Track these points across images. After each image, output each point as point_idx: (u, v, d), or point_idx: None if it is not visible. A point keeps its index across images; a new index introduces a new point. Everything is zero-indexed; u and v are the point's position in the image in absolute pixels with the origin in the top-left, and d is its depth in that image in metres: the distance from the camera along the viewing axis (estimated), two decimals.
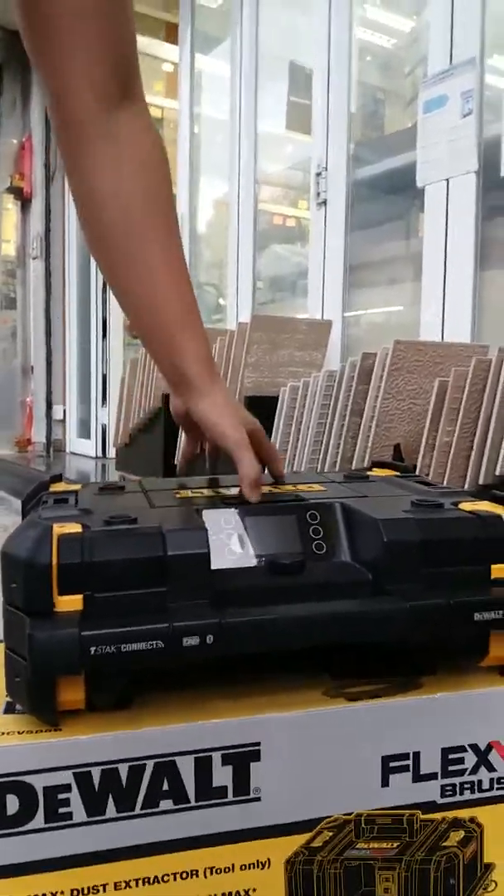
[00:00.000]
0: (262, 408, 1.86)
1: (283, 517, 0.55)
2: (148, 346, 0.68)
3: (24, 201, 4.34)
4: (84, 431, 4.20)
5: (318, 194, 2.42)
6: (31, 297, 4.33)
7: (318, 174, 2.41)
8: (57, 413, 4.29)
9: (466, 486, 1.34)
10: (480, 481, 1.30)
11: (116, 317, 3.94)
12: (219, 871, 0.46)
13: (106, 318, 3.94)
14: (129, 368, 2.51)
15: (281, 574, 0.50)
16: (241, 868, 0.47)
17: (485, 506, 0.55)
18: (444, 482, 1.34)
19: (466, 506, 0.55)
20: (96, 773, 0.44)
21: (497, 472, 1.25)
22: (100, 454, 3.99)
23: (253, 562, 0.52)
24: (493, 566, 0.51)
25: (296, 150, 2.97)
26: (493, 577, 0.51)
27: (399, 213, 2.27)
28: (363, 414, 1.53)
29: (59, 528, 0.44)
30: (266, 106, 2.96)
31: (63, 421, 4.32)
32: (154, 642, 0.42)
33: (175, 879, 0.46)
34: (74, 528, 0.45)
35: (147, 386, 2.30)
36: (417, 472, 1.42)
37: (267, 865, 0.47)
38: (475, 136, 1.85)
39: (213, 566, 0.49)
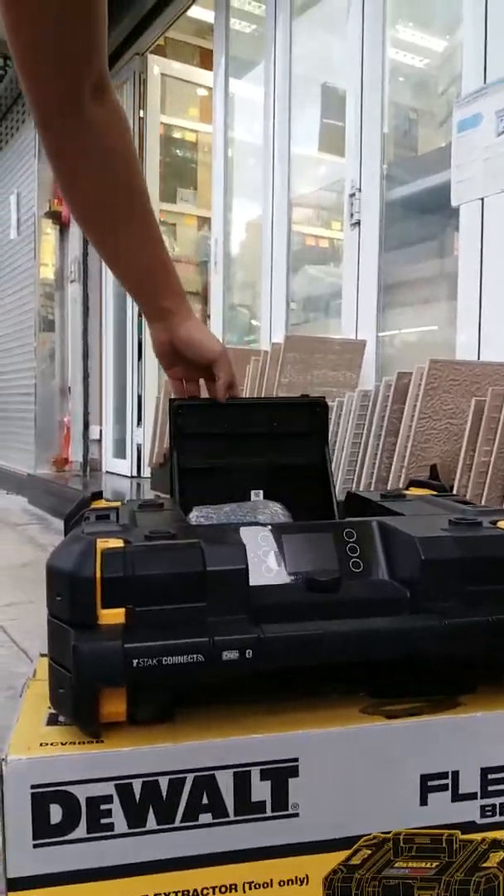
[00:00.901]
0: None
1: (320, 535, 0.56)
2: (136, 297, 0.81)
3: (63, 226, 4.43)
4: (119, 451, 4.24)
5: (352, 215, 2.43)
6: (69, 319, 4.41)
7: (352, 195, 2.43)
8: (93, 433, 4.34)
9: None
10: None
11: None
12: (258, 885, 0.47)
13: (142, 340, 3.99)
14: (163, 389, 2.53)
15: (318, 591, 0.50)
16: (279, 884, 0.47)
17: None
18: (482, 502, 1.33)
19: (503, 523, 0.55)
20: (137, 784, 0.44)
21: None
22: (135, 474, 4.02)
23: (288, 579, 0.52)
24: None
25: (328, 172, 2.99)
26: None
27: (434, 232, 2.27)
28: (399, 434, 1.53)
29: (102, 543, 0.45)
30: (299, 128, 2.99)
31: (99, 441, 4.37)
32: (194, 656, 0.42)
33: (214, 893, 0.46)
34: (117, 542, 0.46)
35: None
36: (455, 493, 1.41)
37: (305, 882, 0.47)
38: None
39: (251, 582, 0.50)
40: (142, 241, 0.76)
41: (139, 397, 4.00)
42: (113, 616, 0.44)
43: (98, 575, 0.44)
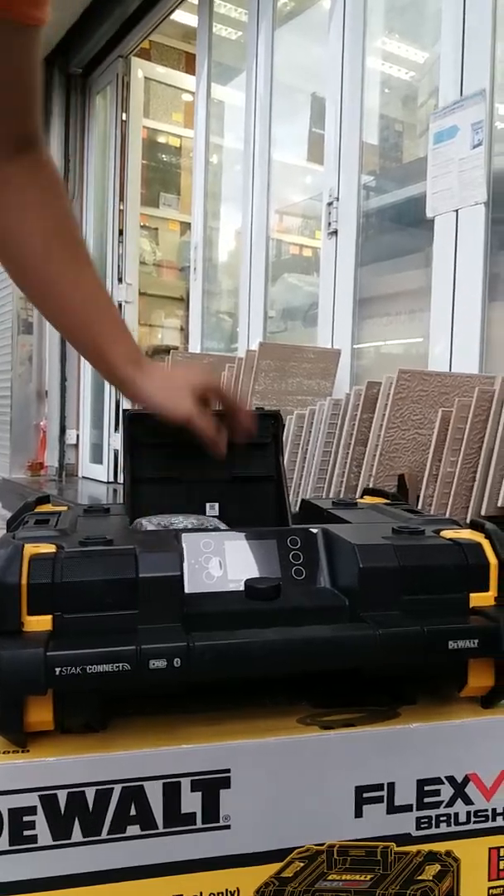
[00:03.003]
0: None
1: (264, 542, 0.55)
2: (87, 359, 0.76)
3: None
4: (96, 456, 4.21)
5: (329, 224, 2.44)
6: (47, 322, 4.38)
7: (330, 204, 2.43)
8: (70, 437, 4.31)
9: (469, 517, 1.33)
10: (482, 512, 1.29)
11: None
12: None
13: None
14: None
15: (256, 599, 0.50)
16: None
17: (466, 534, 0.54)
18: (447, 513, 1.33)
19: (448, 533, 0.54)
20: (62, 795, 0.43)
21: (499, 504, 1.24)
22: (111, 479, 4.00)
23: (230, 586, 0.52)
24: (471, 594, 0.51)
25: (315, 181, 3.01)
26: (470, 605, 0.51)
27: (415, 243, 2.28)
28: (367, 443, 1.53)
29: (31, 548, 0.45)
30: (287, 137, 3.00)
31: (76, 445, 4.34)
32: (120, 664, 0.42)
33: None
34: (48, 548, 0.46)
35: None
36: (421, 503, 1.41)
37: (236, 895, 0.47)
38: (484, 167, 1.86)
39: (188, 590, 0.49)
40: (72, 311, 0.73)
41: (117, 402, 3.98)
42: (39, 623, 0.43)
43: (24, 581, 0.43)
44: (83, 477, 4.29)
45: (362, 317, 2.41)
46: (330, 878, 0.48)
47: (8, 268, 0.74)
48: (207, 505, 0.73)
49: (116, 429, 3.95)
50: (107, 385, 4.04)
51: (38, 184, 0.72)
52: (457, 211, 1.93)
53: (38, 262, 0.72)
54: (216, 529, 0.59)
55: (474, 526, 0.55)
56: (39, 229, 0.71)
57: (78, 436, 4.33)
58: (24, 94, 0.69)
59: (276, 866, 0.47)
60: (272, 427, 0.74)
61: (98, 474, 4.13)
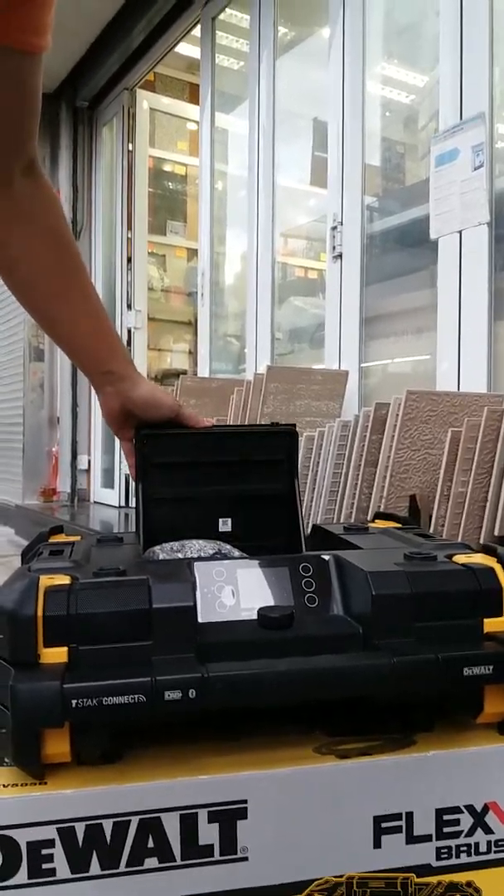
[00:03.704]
0: None
1: (276, 569, 0.55)
2: (80, 364, 0.80)
3: None
4: (108, 481, 4.23)
5: (334, 248, 2.46)
6: (58, 349, 4.41)
7: (334, 228, 2.46)
8: (82, 463, 4.33)
9: (482, 538, 1.32)
10: (496, 532, 1.28)
11: (139, 368, 4.00)
12: None
13: None
14: None
15: (269, 628, 0.50)
16: None
17: (478, 558, 0.54)
18: (460, 533, 1.33)
19: (460, 558, 0.54)
20: (80, 828, 0.43)
21: None
22: (123, 504, 4.01)
23: (243, 615, 0.52)
24: (484, 620, 0.51)
25: (318, 204, 3.04)
26: (484, 630, 0.50)
27: (419, 263, 2.29)
28: (378, 464, 1.53)
29: (46, 580, 0.45)
30: (291, 162, 3.04)
31: (87, 471, 4.36)
32: (136, 696, 0.42)
33: None
34: (62, 580, 0.46)
35: None
36: (433, 524, 1.41)
37: None
38: (486, 188, 1.87)
39: (202, 619, 0.49)
40: (78, 317, 0.77)
41: None
42: (55, 655, 0.43)
43: (40, 613, 0.43)
44: (95, 502, 4.30)
45: (369, 336, 2.42)
46: None
47: (17, 293, 0.77)
48: (220, 521, 0.73)
49: None
50: None
51: (43, 207, 0.75)
52: (460, 232, 1.94)
53: (42, 289, 0.76)
54: (228, 557, 0.60)
55: (486, 550, 0.55)
56: (47, 253, 0.74)
57: (89, 461, 4.35)
58: (29, 119, 0.71)
59: None
60: (286, 444, 0.74)
61: (110, 499, 4.14)
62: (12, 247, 0.74)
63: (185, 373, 3.98)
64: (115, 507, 4.06)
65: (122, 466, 3.99)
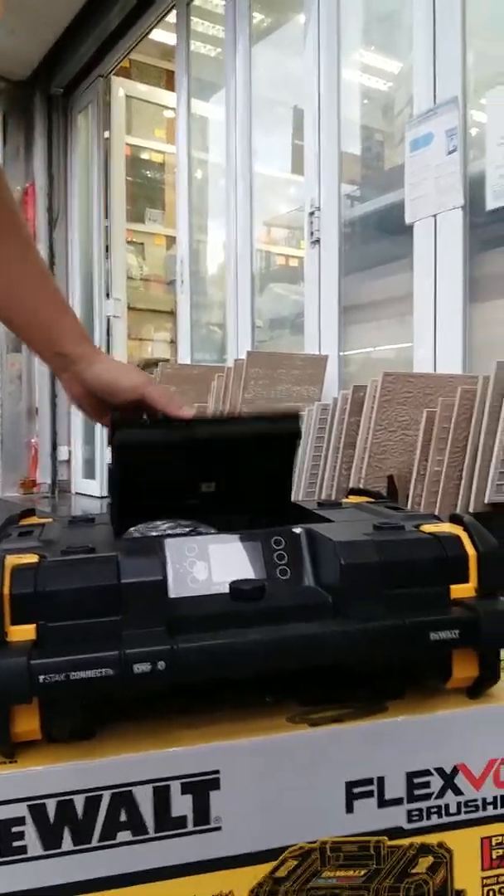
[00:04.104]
0: None
1: (248, 543, 0.55)
2: (30, 343, 0.71)
3: None
4: (89, 472, 4.21)
5: (312, 233, 2.46)
6: None
7: (311, 213, 2.45)
8: (62, 454, 4.31)
9: None
10: (471, 510, 1.29)
11: (119, 357, 3.99)
12: None
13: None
14: None
15: (241, 600, 0.50)
16: None
17: (445, 527, 0.55)
18: (436, 511, 1.34)
19: (427, 528, 0.55)
20: (51, 805, 0.44)
21: (486, 500, 1.25)
22: (105, 494, 4.00)
23: (214, 589, 0.52)
24: (451, 586, 0.51)
25: (299, 193, 3.04)
26: (451, 597, 0.51)
27: (398, 249, 2.30)
28: (356, 446, 1.54)
29: (12, 559, 0.45)
30: (272, 150, 3.03)
31: (68, 462, 4.34)
32: (104, 670, 0.42)
33: None
34: (30, 558, 0.46)
35: None
36: (410, 502, 1.42)
37: None
38: (460, 172, 1.88)
39: (173, 594, 0.50)
40: (17, 286, 0.68)
41: None
42: (22, 632, 0.44)
43: (6, 591, 0.43)
44: (76, 493, 4.29)
45: (349, 323, 2.42)
46: (324, 875, 0.48)
47: None
48: (203, 485, 0.68)
49: (108, 443, 3.96)
50: None
51: None
52: (435, 216, 1.95)
53: None
54: (199, 533, 0.60)
55: (454, 520, 0.55)
56: None
57: (70, 452, 4.33)
58: None
59: (269, 866, 0.47)
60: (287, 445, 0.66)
61: (91, 489, 4.13)
62: None
63: (166, 361, 3.97)
64: (97, 497, 4.05)
65: (104, 456, 3.98)
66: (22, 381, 4.39)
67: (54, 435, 4.28)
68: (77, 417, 4.30)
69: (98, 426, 4.15)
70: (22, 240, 0.70)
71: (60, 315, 0.70)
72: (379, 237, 2.44)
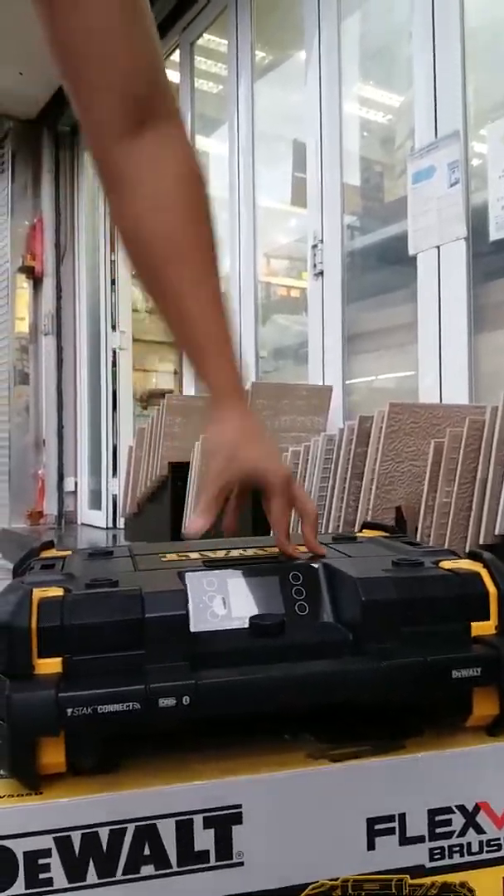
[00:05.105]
0: None
1: (266, 578, 0.56)
2: (189, 367, 0.68)
3: (36, 280, 4.49)
4: (95, 503, 4.22)
5: (315, 266, 2.49)
6: (44, 372, 4.43)
7: (314, 246, 2.49)
8: (69, 485, 4.32)
9: (468, 547, 1.34)
10: (481, 541, 1.30)
11: (125, 388, 4.02)
12: None
13: (116, 390, 4.02)
14: (136, 437, 2.54)
15: (261, 636, 0.51)
16: None
17: (465, 564, 0.56)
18: (446, 543, 1.34)
19: (446, 564, 0.55)
20: (76, 837, 0.44)
21: (497, 532, 1.25)
22: (111, 525, 4.00)
23: (235, 624, 0.53)
24: (472, 624, 0.52)
25: (299, 224, 3.09)
26: (472, 634, 0.51)
27: (401, 279, 2.33)
28: (363, 477, 1.54)
29: (39, 592, 0.46)
30: (272, 183, 3.09)
31: (75, 493, 4.35)
32: (130, 704, 0.42)
33: None
34: (55, 591, 0.47)
35: (154, 454, 2.33)
36: (419, 534, 1.42)
37: None
38: (462, 203, 1.91)
39: (194, 629, 0.50)
40: (198, 311, 0.64)
41: (114, 448, 4.00)
42: (49, 665, 0.44)
43: (34, 625, 0.44)
44: (82, 524, 4.29)
45: (353, 353, 2.45)
46: None
47: (128, 251, 0.67)
48: None
49: (114, 474, 3.97)
50: (104, 431, 4.07)
51: (172, 159, 0.64)
52: (438, 247, 1.98)
53: (155, 251, 0.64)
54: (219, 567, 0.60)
55: (472, 556, 0.56)
56: (167, 211, 0.64)
57: (76, 483, 4.34)
58: (149, 39, 0.61)
59: None
60: None
61: (97, 520, 4.13)
62: (126, 205, 0.64)
63: (171, 392, 4.00)
64: (102, 528, 4.05)
65: (110, 487, 3.99)
66: (29, 413, 4.41)
67: (61, 466, 4.30)
68: (83, 449, 4.32)
69: (105, 456, 4.11)
70: (209, 272, 0.66)
71: (214, 362, 0.65)
72: (381, 268, 2.48)
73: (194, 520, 0.61)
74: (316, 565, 0.56)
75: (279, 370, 3.07)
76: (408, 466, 1.51)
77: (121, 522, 3.58)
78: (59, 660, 0.44)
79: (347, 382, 2.44)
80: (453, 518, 1.32)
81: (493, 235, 1.84)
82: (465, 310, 1.91)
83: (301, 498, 0.62)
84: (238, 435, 0.63)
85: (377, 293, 2.46)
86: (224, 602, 0.54)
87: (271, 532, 0.61)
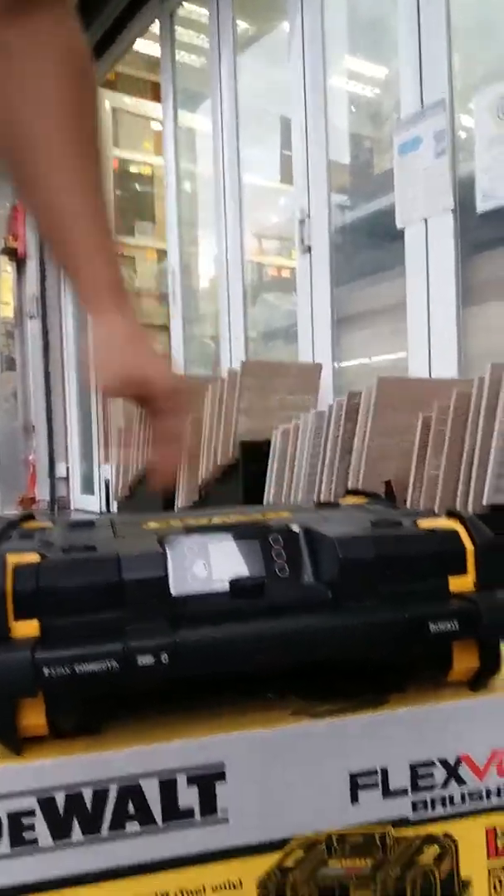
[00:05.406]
0: (257, 452, 1.88)
1: (247, 542, 0.56)
2: (61, 268, 0.61)
3: (19, 262, 4.45)
4: (87, 487, 4.22)
5: (303, 240, 2.48)
6: (30, 356, 4.41)
7: (302, 221, 2.48)
8: (60, 470, 4.31)
9: None
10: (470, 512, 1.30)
11: None
12: (189, 893, 0.46)
13: None
14: (125, 420, 2.53)
15: (241, 597, 0.51)
16: (212, 890, 0.47)
17: (443, 522, 0.56)
18: None
19: (424, 523, 0.56)
20: (60, 797, 0.44)
21: (485, 502, 1.25)
22: (104, 509, 4.00)
23: (216, 587, 0.53)
24: (450, 580, 0.52)
25: (289, 202, 3.07)
26: (450, 590, 0.52)
27: (391, 254, 2.31)
28: (353, 452, 1.55)
29: (14, 557, 0.46)
30: (260, 161, 3.07)
31: (66, 478, 4.34)
32: (108, 662, 0.43)
33: None
34: (31, 557, 0.47)
35: (143, 435, 2.32)
36: (409, 506, 1.43)
37: (239, 886, 0.47)
38: (449, 175, 1.90)
39: (174, 592, 0.50)
40: (66, 187, 0.59)
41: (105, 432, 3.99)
42: (26, 628, 0.44)
43: (8, 588, 0.44)
44: (75, 509, 4.29)
45: (343, 332, 2.44)
46: (331, 865, 0.49)
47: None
48: None
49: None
50: (94, 415, 4.06)
51: (45, 54, 0.59)
52: (426, 220, 1.97)
53: (28, 139, 0.59)
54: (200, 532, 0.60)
55: (451, 515, 0.56)
56: (41, 102, 0.59)
57: (68, 468, 4.33)
58: None
59: (276, 856, 0.48)
60: None
61: (90, 505, 4.13)
62: (8, 97, 0.58)
63: None
64: (95, 513, 4.05)
65: (102, 471, 3.99)
66: (17, 398, 4.40)
67: (51, 451, 4.29)
68: (73, 434, 4.31)
69: (96, 440, 4.11)
70: (84, 161, 0.60)
71: (92, 255, 0.59)
72: (371, 245, 2.47)
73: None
74: (296, 528, 0.57)
75: (269, 351, 3.06)
76: (397, 440, 1.51)
77: (115, 506, 3.58)
78: (35, 622, 0.44)
79: (340, 365, 2.44)
80: (442, 490, 1.33)
81: (480, 207, 1.83)
82: (453, 283, 1.91)
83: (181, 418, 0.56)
84: (123, 340, 0.58)
85: (367, 271, 2.44)
86: (205, 566, 0.54)
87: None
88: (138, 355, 0.58)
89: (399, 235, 2.07)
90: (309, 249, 2.46)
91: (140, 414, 0.60)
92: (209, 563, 0.54)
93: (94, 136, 0.62)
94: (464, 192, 1.90)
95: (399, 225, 2.04)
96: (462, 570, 0.53)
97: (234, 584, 0.51)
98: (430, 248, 1.96)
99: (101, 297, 0.59)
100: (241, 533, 0.57)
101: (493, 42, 2.00)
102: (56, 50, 0.60)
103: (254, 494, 1.84)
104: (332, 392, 2.37)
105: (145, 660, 0.43)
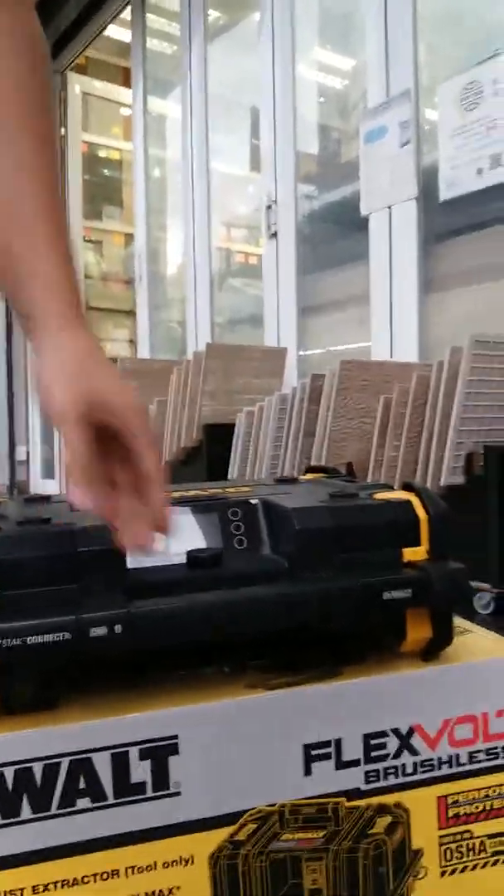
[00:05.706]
0: (221, 435, 1.88)
1: (205, 515, 0.56)
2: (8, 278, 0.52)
3: None
4: (48, 472, 4.17)
5: (270, 226, 2.47)
6: None
7: (269, 207, 2.46)
8: (20, 454, 4.25)
9: None
10: None
11: None
12: (140, 869, 0.46)
13: None
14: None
15: (197, 568, 0.50)
16: (163, 866, 0.46)
17: (398, 494, 0.56)
18: None
19: (380, 495, 0.56)
20: (9, 773, 0.43)
21: (442, 483, 1.27)
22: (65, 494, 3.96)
23: (174, 560, 0.52)
24: (404, 549, 0.52)
25: (258, 191, 3.06)
26: (404, 559, 0.52)
27: (355, 244, 2.31)
28: (316, 434, 1.55)
29: None
30: (231, 149, 3.04)
31: (26, 462, 4.28)
32: (61, 634, 0.42)
33: (95, 881, 0.45)
34: None
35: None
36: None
37: (190, 862, 0.47)
38: (414, 163, 1.91)
39: (130, 565, 0.50)
40: (28, 184, 0.54)
41: None
42: None
43: None
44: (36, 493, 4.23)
45: (308, 320, 2.44)
46: (283, 838, 0.49)
47: None
48: None
49: None
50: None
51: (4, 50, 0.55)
52: (390, 207, 1.97)
53: None
54: None
55: (406, 487, 0.56)
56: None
57: (28, 452, 4.27)
58: None
59: (229, 830, 0.48)
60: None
61: (51, 489, 4.09)
62: None
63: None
64: None
65: (63, 455, 3.94)
66: None
67: (11, 435, 4.22)
68: (34, 418, 4.25)
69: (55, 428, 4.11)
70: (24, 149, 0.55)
71: (39, 261, 0.51)
72: (336, 233, 2.46)
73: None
74: (255, 501, 0.56)
75: (236, 336, 3.05)
76: (358, 423, 1.52)
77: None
78: None
79: (305, 353, 2.44)
80: (401, 471, 1.34)
81: (444, 195, 1.83)
82: (415, 270, 1.92)
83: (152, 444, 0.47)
84: (81, 364, 0.48)
85: (333, 259, 2.44)
86: (162, 538, 0.53)
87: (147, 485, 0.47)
88: (106, 376, 0.48)
89: (364, 225, 2.07)
90: (275, 235, 2.45)
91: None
92: (167, 536, 0.54)
93: (52, 136, 0.60)
94: (427, 182, 1.91)
95: (364, 212, 2.04)
96: (416, 540, 0.53)
97: (192, 555, 0.51)
98: (394, 235, 1.97)
99: (57, 310, 0.50)
100: (200, 507, 0.56)
101: (459, 33, 2.01)
102: (14, 46, 0.57)
103: (218, 477, 1.84)
104: (297, 379, 2.37)
105: (98, 631, 0.42)
